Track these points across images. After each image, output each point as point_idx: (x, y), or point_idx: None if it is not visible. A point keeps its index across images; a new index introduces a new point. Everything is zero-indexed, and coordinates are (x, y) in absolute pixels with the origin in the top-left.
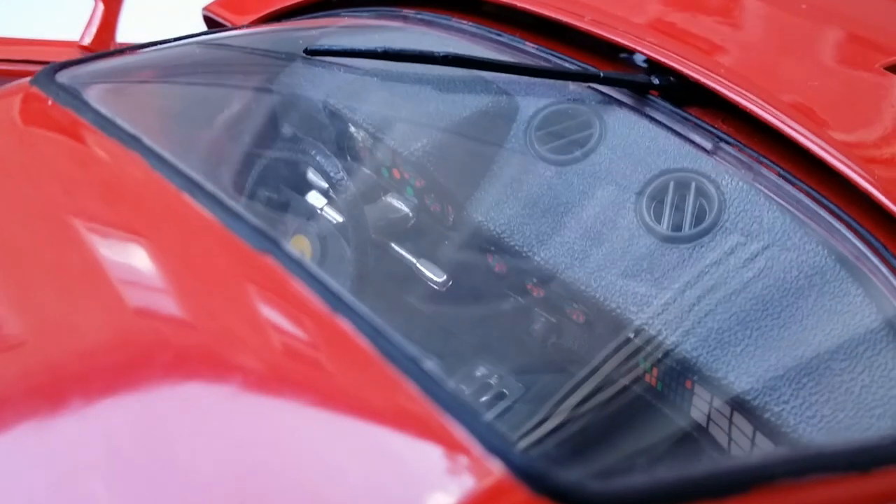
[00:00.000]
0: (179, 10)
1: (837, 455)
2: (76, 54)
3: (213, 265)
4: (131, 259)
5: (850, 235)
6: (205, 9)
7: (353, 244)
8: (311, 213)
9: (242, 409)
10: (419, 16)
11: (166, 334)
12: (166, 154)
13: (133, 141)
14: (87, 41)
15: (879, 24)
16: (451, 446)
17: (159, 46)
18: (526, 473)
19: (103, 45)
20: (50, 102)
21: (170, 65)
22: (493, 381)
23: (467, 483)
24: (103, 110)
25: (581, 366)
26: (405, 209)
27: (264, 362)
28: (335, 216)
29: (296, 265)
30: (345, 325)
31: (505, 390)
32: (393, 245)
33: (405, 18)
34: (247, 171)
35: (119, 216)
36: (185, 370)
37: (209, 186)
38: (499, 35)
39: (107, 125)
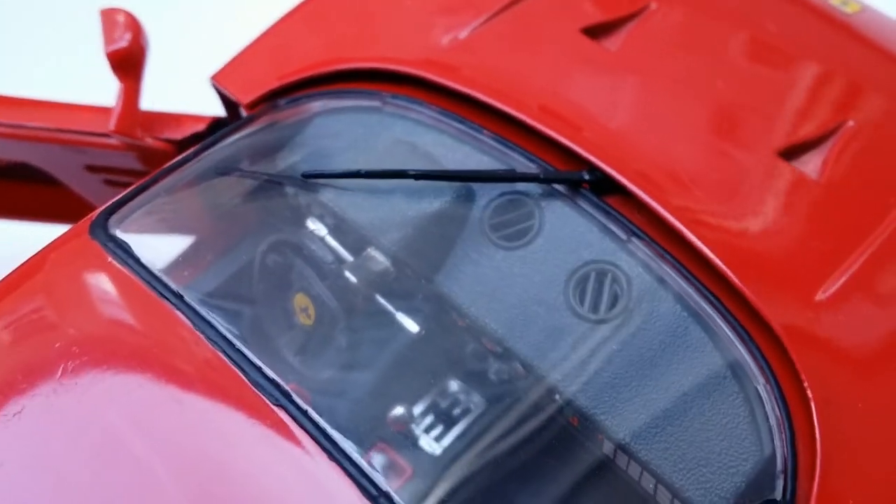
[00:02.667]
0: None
1: None
2: (105, 125)
3: (233, 414)
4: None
5: (720, 321)
6: (212, 78)
7: (340, 299)
8: (308, 282)
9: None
10: (394, 100)
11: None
12: (197, 306)
13: (174, 296)
14: (112, 126)
15: (781, 108)
16: None
17: (181, 171)
18: None
19: (127, 124)
20: (108, 259)
21: (189, 193)
22: (462, 397)
23: None
24: (146, 263)
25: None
26: (385, 263)
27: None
28: (325, 285)
29: (303, 416)
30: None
31: (471, 405)
32: (378, 297)
33: (383, 101)
34: (254, 253)
35: (162, 365)
36: None
37: (238, 344)
38: (461, 122)
39: (151, 280)
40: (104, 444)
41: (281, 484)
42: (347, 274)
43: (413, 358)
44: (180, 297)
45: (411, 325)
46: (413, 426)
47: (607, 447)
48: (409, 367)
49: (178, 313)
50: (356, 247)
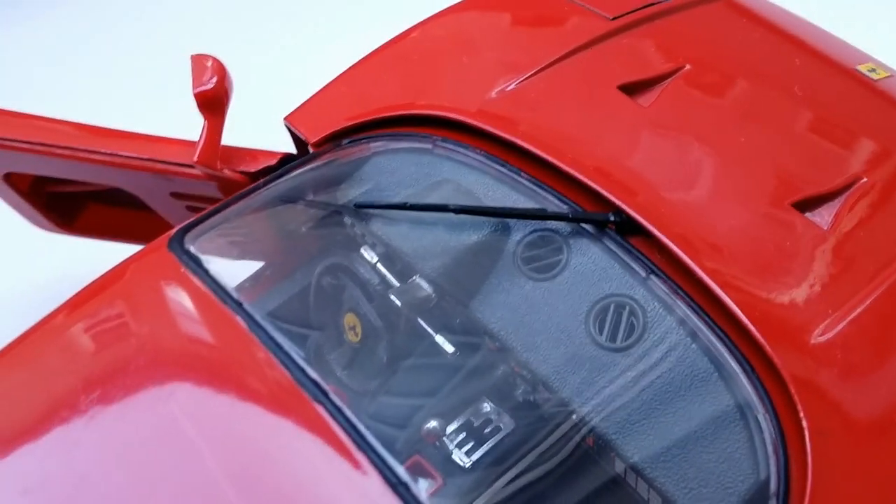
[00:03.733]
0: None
1: None
2: (189, 156)
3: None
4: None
5: (727, 354)
6: (285, 119)
7: (385, 320)
8: (357, 303)
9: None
10: (444, 143)
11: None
12: (259, 317)
13: (237, 307)
14: (196, 158)
15: (798, 164)
16: None
17: (250, 198)
18: None
19: (209, 156)
20: (182, 270)
21: (255, 218)
22: (493, 416)
23: None
24: (215, 276)
25: (544, 421)
26: (429, 290)
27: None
28: (373, 306)
29: (345, 421)
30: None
31: (501, 424)
32: (420, 321)
33: (433, 144)
34: (310, 274)
35: (222, 367)
36: None
37: (288, 348)
38: (502, 165)
39: (218, 290)
40: (167, 434)
41: (316, 479)
42: (393, 297)
43: (448, 377)
44: (240, 304)
45: (448, 347)
46: (446, 440)
47: (619, 466)
48: (444, 385)
49: (239, 319)
50: (402, 273)
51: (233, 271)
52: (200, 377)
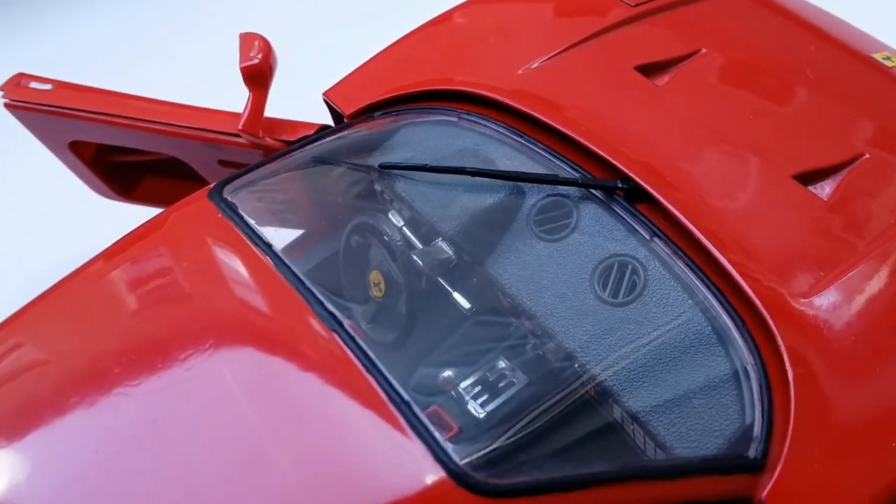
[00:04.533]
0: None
1: (656, 468)
2: (234, 126)
3: (301, 339)
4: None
5: (720, 310)
6: (324, 94)
7: (407, 278)
8: (382, 259)
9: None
10: (468, 116)
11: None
12: (283, 256)
13: (266, 247)
14: (241, 125)
15: (802, 140)
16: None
17: (287, 157)
18: (457, 476)
19: (253, 125)
20: (219, 216)
21: (291, 171)
22: (507, 372)
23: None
24: (249, 221)
25: (554, 378)
26: (450, 252)
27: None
28: (397, 261)
29: (352, 341)
30: (373, 383)
31: (514, 380)
32: (439, 280)
33: (459, 117)
34: (341, 239)
35: (252, 302)
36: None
37: (309, 283)
38: (520, 136)
39: (251, 234)
40: (205, 375)
41: (340, 416)
42: (415, 258)
43: (464, 332)
44: (269, 246)
45: (465, 304)
46: (462, 393)
47: (616, 412)
48: (461, 339)
49: (269, 261)
50: (424, 234)
51: (264, 214)
52: (235, 321)
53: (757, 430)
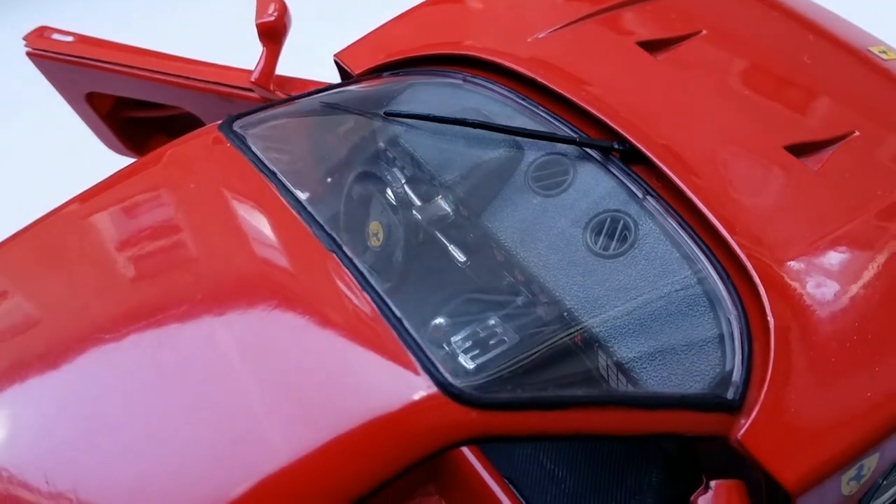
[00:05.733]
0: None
1: (635, 396)
2: (247, 80)
3: (300, 257)
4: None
5: (708, 266)
6: (335, 55)
7: (405, 230)
8: (382, 211)
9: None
10: (473, 79)
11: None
12: (287, 182)
13: (271, 174)
14: (254, 77)
15: (796, 116)
16: (404, 365)
17: (295, 102)
18: (444, 387)
19: (265, 79)
20: (227, 145)
21: (299, 116)
22: (498, 329)
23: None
24: (256, 151)
25: (543, 324)
26: (448, 209)
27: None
28: (397, 213)
29: (348, 261)
30: (367, 298)
31: (505, 337)
32: (436, 233)
33: (464, 80)
34: (343, 185)
35: (253, 220)
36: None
37: (310, 208)
38: (522, 99)
39: (257, 161)
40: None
41: (335, 330)
42: (414, 210)
43: (458, 283)
44: (274, 174)
45: (460, 256)
46: (454, 346)
47: (601, 359)
48: (455, 289)
49: (273, 186)
50: (425, 185)
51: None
52: (239, 240)
53: (736, 376)
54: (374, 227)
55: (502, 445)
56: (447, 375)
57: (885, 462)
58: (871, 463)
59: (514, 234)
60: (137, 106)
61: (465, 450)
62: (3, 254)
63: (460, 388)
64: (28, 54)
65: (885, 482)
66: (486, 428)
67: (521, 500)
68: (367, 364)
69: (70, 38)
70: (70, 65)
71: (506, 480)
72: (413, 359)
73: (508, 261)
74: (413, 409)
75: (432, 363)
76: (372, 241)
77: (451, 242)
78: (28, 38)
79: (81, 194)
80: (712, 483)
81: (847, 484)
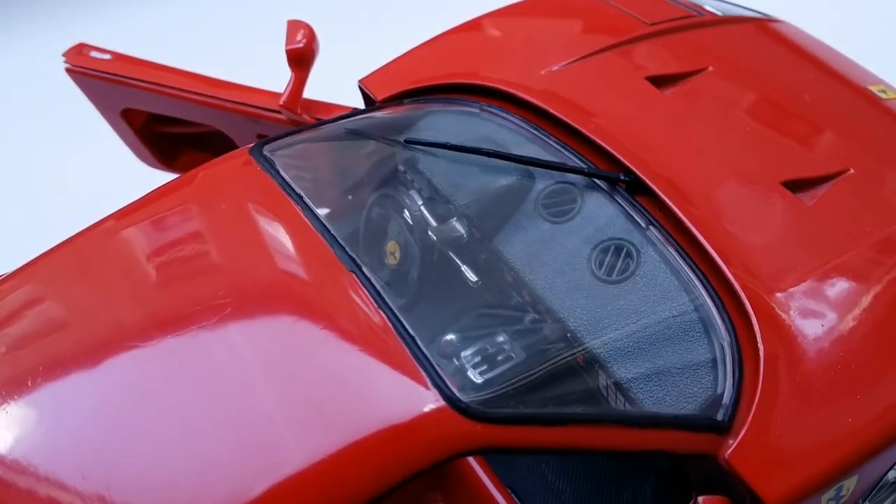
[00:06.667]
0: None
1: (630, 415)
2: (275, 103)
3: (321, 275)
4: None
5: (704, 294)
6: (359, 81)
7: (421, 250)
8: (400, 231)
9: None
10: (489, 108)
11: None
12: (311, 204)
13: (297, 197)
14: (282, 101)
15: (793, 153)
16: (415, 379)
17: (321, 128)
18: (451, 401)
19: (293, 102)
20: (257, 168)
21: (324, 141)
22: (506, 346)
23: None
24: (284, 175)
25: (547, 343)
26: (462, 231)
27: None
28: (414, 233)
29: (366, 280)
30: (382, 315)
31: (512, 354)
32: (450, 253)
33: (480, 109)
34: (364, 206)
35: (278, 239)
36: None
37: (332, 229)
38: (535, 129)
39: (284, 184)
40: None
41: (351, 346)
42: (430, 232)
43: (470, 301)
44: (300, 196)
45: (472, 276)
46: (464, 361)
47: (601, 379)
48: (466, 308)
49: (299, 208)
50: (441, 208)
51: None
52: (264, 257)
53: (726, 398)
54: (392, 246)
55: (505, 456)
56: (455, 390)
57: (863, 484)
58: (850, 484)
59: (523, 258)
60: (170, 122)
61: (470, 459)
62: (43, 265)
63: (467, 402)
64: (67, 70)
65: (864, 502)
66: (489, 440)
67: None
68: (381, 377)
69: (107, 56)
70: (106, 82)
71: (508, 490)
72: (423, 374)
73: (517, 282)
74: (422, 421)
75: (441, 378)
76: (389, 259)
77: (463, 262)
78: (67, 55)
79: (118, 211)
80: (700, 499)
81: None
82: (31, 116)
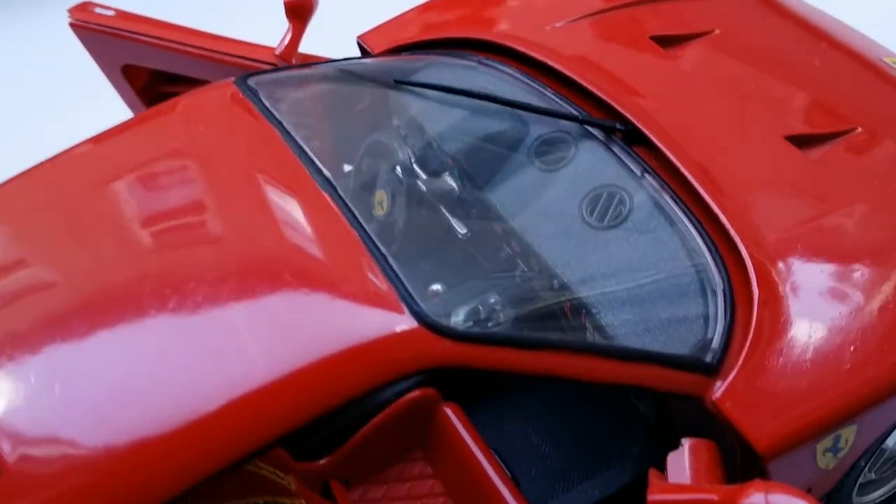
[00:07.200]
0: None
1: (611, 347)
2: (271, 56)
3: (297, 195)
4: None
5: (698, 239)
6: (358, 37)
7: (409, 201)
8: (389, 181)
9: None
10: (486, 62)
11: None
12: (290, 130)
13: (278, 123)
14: (278, 51)
15: (799, 109)
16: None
17: (310, 67)
18: (419, 316)
19: (289, 54)
20: (240, 95)
21: (312, 79)
22: (488, 286)
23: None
24: (266, 103)
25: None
26: (451, 178)
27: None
28: (402, 182)
29: (341, 201)
30: (354, 233)
31: (495, 294)
32: (437, 202)
33: (479, 62)
34: (347, 145)
35: (260, 162)
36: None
37: (310, 153)
38: (534, 82)
39: (266, 112)
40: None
41: (322, 265)
42: (420, 182)
43: (457, 253)
44: (280, 123)
45: (461, 228)
46: (441, 289)
47: (588, 323)
48: (451, 252)
49: (279, 133)
50: (432, 154)
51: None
52: (241, 179)
53: (716, 342)
54: (380, 195)
55: (491, 420)
56: (423, 306)
57: (864, 438)
58: (848, 435)
59: (513, 204)
60: (170, 81)
61: (454, 420)
62: (5, 192)
63: (436, 319)
64: (70, 25)
65: (866, 465)
66: (459, 357)
67: (507, 471)
68: (350, 292)
69: (111, 13)
70: (108, 36)
71: (493, 452)
72: (394, 290)
73: (505, 230)
74: (389, 335)
75: (411, 295)
76: (377, 209)
77: (451, 212)
78: (72, 11)
79: (93, 137)
80: (684, 440)
81: (823, 455)
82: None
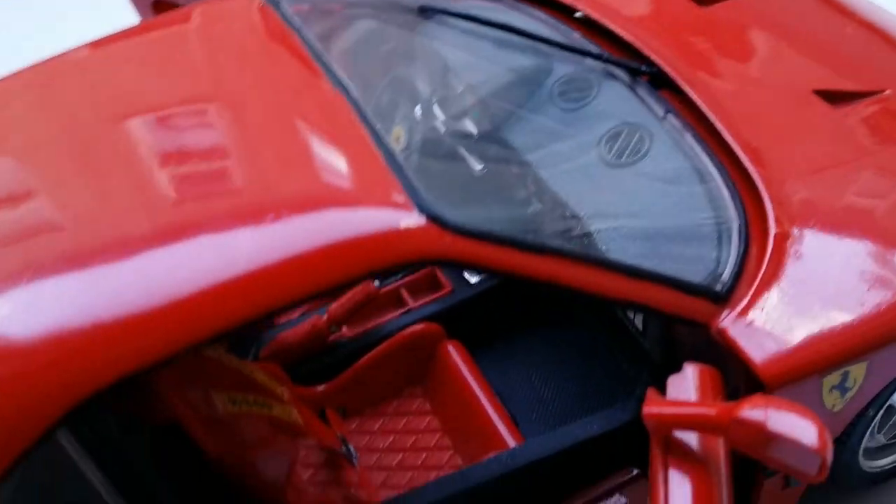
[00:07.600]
0: None
1: (618, 262)
2: None
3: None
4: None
5: (717, 175)
6: None
7: (426, 137)
8: (407, 117)
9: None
10: (517, 4)
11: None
12: (308, 37)
13: (298, 31)
14: None
15: (830, 66)
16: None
17: None
18: (421, 207)
19: None
20: (261, 5)
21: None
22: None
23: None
24: (287, 12)
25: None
26: (472, 122)
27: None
28: (421, 121)
29: (354, 102)
30: (364, 131)
31: (507, 208)
32: (457, 143)
33: (509, 6)
34: (374, 79)
35: (283, 68)
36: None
37: (327, 58)
38: (558, 22)
39: (286, 18)
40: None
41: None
42: (437, 118)
43: (473, 181)
44: (299, 30)
45: (475, 157)
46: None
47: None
48: (468, 184)
49: (297, 38)
50: (450, 90)
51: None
52: (256, 73)
53: (727, 272)
54: (397, 131)
55: (495, 363)
56: (427, 199)
57: (874, 381)
58: (857, 374)
59: (531, 142)
60: None
61: (456, 356)
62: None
63: (438, 211)
64: None
65: (876, 416)
66: (460, 253)
67: (506, 410)
68: (354, 181)
69: None
70: None
71: (494, 393)
72: (398, 181)
73: (521, 163)
74: (397, 230)
75: (415, 189)
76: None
77: (468, 146)
78: None
79: (105, 38)
80: (686, 366)
81: (829, 393)
82: None
